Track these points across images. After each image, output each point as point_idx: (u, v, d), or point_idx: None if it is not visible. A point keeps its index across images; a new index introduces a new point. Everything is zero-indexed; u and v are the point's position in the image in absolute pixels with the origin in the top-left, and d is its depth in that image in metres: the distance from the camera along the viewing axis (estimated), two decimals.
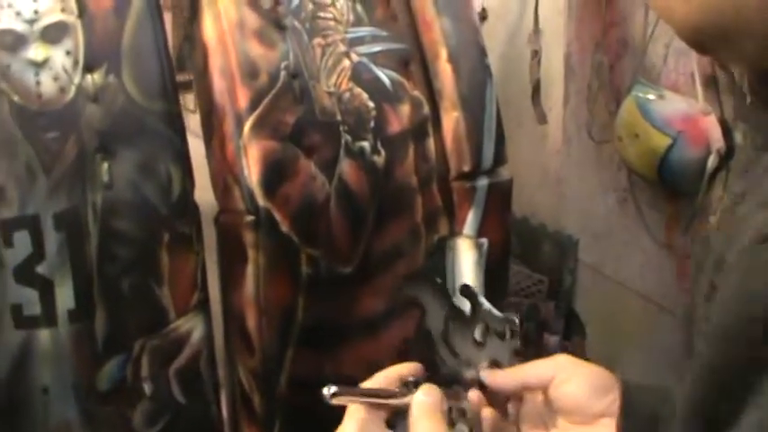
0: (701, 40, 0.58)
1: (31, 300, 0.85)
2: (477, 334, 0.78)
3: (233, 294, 0.95)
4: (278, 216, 0.92)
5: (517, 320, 0.75)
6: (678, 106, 1.15)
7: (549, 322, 1.39)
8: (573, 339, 1.38)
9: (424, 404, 0.61)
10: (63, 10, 0.87)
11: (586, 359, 1.40)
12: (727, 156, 1.10)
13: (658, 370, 1.33)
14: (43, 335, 0.86)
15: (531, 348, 1.32)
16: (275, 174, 0.92)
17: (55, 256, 0.85)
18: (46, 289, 0.85)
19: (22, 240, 0.84)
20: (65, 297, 0.86)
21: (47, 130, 0.85)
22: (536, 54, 1.29)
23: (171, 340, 0.92)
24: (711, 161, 1.11)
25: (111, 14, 0.89)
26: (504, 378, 0.64)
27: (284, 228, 0.93)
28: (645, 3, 1.19)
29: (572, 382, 0.62)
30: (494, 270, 1.04)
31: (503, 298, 1.08)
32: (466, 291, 0.90)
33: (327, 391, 0.55)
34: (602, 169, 1.32)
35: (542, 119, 1.33)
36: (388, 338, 1.02)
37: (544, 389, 0.62)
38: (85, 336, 0.88)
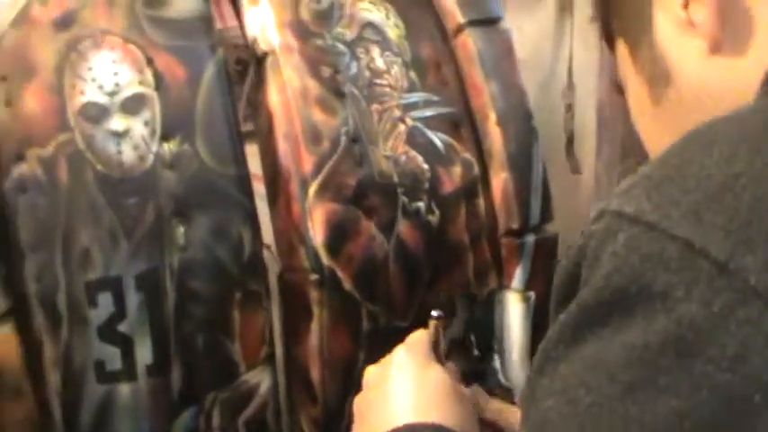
0: None
1: (112, 356, 0.90)
2: None
3: (297, 348, 1.00)
4: (341, 275, 0.98)
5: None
6: None
7: None
8: None
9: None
10: (141, 83, 0.93)
11: None
12: None
13: None
14: (123, 389, 0.91)
15: None
16: (339, 235, 0.98)
17: (135, 315, 0.90)
18: (127, 346, 0.91)
19: (106, 301, 0.90)
20: (144, 353, 0.91)
21: (128, 197, 0.90)
22: (570, 108, 1.35)
23: (240, 393, 0.97)
24: None
25: (185, 86, 0.94)
26: None
27: (347, 286, 0.98)
28: None
29: None
30: (538, 321, 1.09)
31: None
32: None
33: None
34: None
35: (576, 169, 1.39)
36: None
37: None
38: (162, 389, 0.93)
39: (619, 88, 0.74)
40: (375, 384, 0.75)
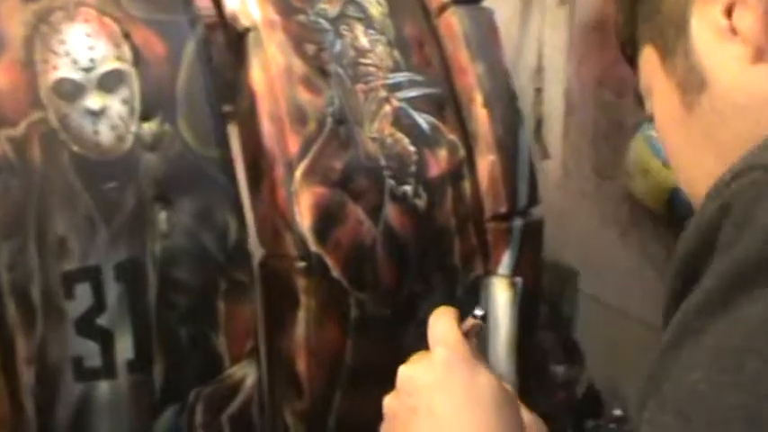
0: None
1: (91, 352, 0.84)
2: None
3: (282, 339, 0.96)
4: (329, 261, 0.93)
5: None
6: None
7: (551, 352, 1.43)
8: (573, 368, 1.43)
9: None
10: (118, 58, 0.86)
11: (586, 388, 1.43)
12: None
13: None
14: (103, 386, 0.85)
15: (533, 378, 1.35)
16: (326, 220, 0.93)
17: (115, 307, 0.84)
18: (106, 340, 0.84)
19: (83, 292, 0.83)
20: (124, 348, 0.85)
21: (106, 180, 0.84)
22: (539, 92, 1.33)
23: (225, 387, 0.92)
24: None
25: (164, 62, 0.89)
26: None
27: (335, 273, 0.94)
28: None
29: None
30: (526, 308, 1.07)
31: (534, 334, 1.11)
32: None
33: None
34: (602, 204, 1.37)
35: (545, 154, 1.37)
36: None
37: None
38: (143, 386, 0.87)
39: (638, 97, 0.72)
40: (417, 390, 0.67)
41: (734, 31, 0.57)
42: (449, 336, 0.69)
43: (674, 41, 0.62)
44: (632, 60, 0.71)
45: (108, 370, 0.85)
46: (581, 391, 1.42)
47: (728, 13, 0.57)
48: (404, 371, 0.69)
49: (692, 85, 0.60)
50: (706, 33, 0.59)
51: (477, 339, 0.71)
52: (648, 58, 0.66)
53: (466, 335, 0.70)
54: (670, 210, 1.23)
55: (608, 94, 1.29)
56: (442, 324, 0.71)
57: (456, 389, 0.64)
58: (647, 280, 1.31)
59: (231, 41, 0.97)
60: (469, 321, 0.73)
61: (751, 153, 0.47)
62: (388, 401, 0.71)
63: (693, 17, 0.59)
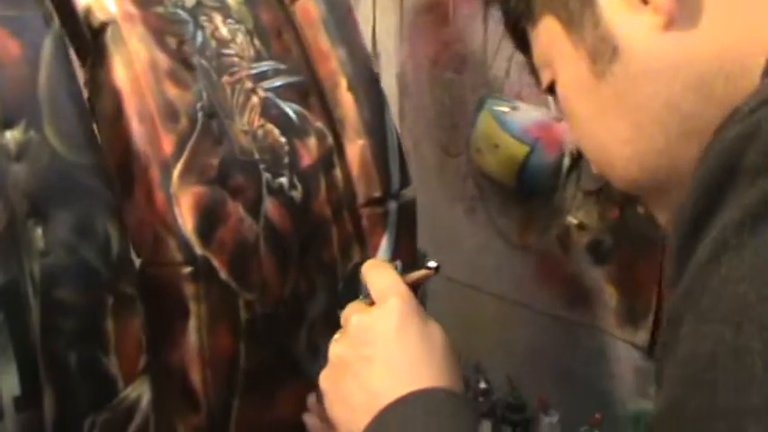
0: (636, 190, 0.68)
1: None
2: None
3: (171, 353, 0.89)
4: (216, 263, 0.89)
5: None
6: (533, 115, 1.25)
7: None
8: None
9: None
10: None
11: None
12: (579, 157, 1.22)
13: (519, 364, 1.44)
14: None
15: None
16: (209, 220, 0.88)
17: None
18: None
19: None
20: (9, 384, 0.76)
21: None
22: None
23: (121, 411, 0.84)
24: (566, 163, 1.22)
25: (21, 63, 0.80)
26: None
27: (223, 275, 0.89)
28: (483, 20, 1.28)
29: None
30: None
31: None
32: None
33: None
34: (446, 181, 1.39)
35: None
36: (316, 373, 1.01)
37: None
38: (35, 425, 0.78)
39: (532, 69, 0.72)
40: (373, 339, 0.65)
41: (644, 1, 0.59)
42: (399, 287, 0.69)
43: (579, 13, 0.62)
44: (518, 33, 0.71)
45: None
46: None
47: None
48: (358, 318, 0.67)
49: (602, 54, 0.61)
50: (615, 3, 0.60)
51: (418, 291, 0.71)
52: (548, 29, 0.66)
53: (411, 286, 0.70)
54: (519, 183, 1.27)
55: (447, 73, 1.31)
56: (387, 275, 0.70)
57: (412, 340, 0.64)
58: (496, 254, 1.35)
59: (81, 38, 0.89)
60: (421, 272, 0.73)
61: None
62: (336, 349, 0.68)
63: None
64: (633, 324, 1.35)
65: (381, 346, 0.64)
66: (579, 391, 1.38)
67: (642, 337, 1.34)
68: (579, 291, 1.37)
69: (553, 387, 1.39)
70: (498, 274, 1.41)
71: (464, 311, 1.43)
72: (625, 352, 1.33)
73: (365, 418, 0.62)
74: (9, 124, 0.78)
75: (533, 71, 0.72)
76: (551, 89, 0.69)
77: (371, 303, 0.70)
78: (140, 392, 0.86)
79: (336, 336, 0.71)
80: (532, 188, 1.30)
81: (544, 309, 1.40)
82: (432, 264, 0.73)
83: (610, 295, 1.36)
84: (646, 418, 1.25)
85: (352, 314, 0.69)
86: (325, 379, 0.70)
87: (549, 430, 1.35)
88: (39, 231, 0.78)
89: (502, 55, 1.32)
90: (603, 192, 1.29)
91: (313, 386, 1.02)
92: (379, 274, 0.72)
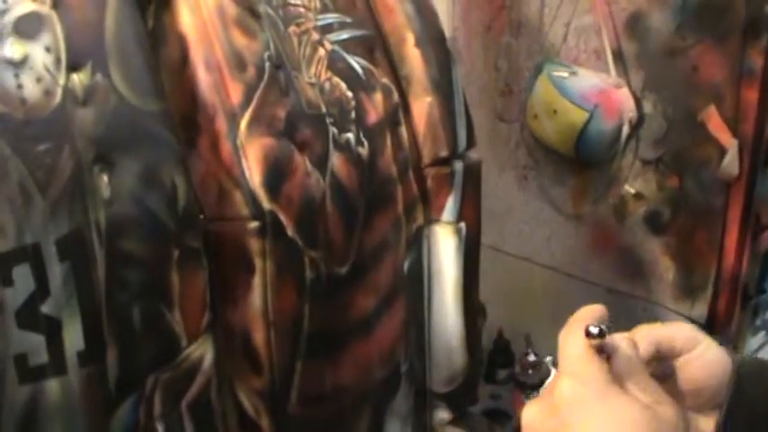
0: None
1: (36, 346, 0.71)
2: None
3: (233, 312, 0.86)
4: (284, 219, 0.85)
5: None
6: (592, 81, 1.21)
7: None
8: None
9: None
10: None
11: (495, 338, 1.41)
12: (637, 125, 1.18)
13: None
14: (51, 386, 0.72)
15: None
16: (277, 173, 0.85)
17: (60, 290, 0.72)
18: (53, 331, 0.72)
19: (23, 276, 0.70)
20: (73, 338, 0.73)
21: (37, 142, 0.71)
22: None
23: (183, 371, 0.81)
24: (625, 131, 1.18)
25: (88, 5, 0.76)
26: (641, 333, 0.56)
27: (290, 231, 0.85)
28: None
29: (708, 359, 0.56)
30: (470, 254, 1.03)
31: (476, 278, 1.07)
32: None
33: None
34: (497, 149, 1.35)
35: None
36: (381, 334, 0.98)
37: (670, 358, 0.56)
38: (97, 380, 0.75)
39: None
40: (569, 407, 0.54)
41: None
42: (567, 360, 0.54)
43: None
44: None
45: (56, 366, 0.72)
46: (489, 342, 1.41)
47: None
48: (530, 410, 0.55)
49: None
50: None
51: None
52: None
53: (601, 350, 0.54)
54: (576, 150, 1.23)
55: (503, 38, 1.27)
56: (572, 343, 0.55)
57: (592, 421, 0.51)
58: (549, 224, 1.31)
59: None
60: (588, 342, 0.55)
61: None
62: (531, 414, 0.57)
63: None
64: (690, 297, 1.31)
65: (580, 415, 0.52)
66: None
67: (699, 310, 1.30)
68: (634, 263, 1.33)
69: None
70: (550, 244, 1.37)
71: (514, 283, 1.39)
72: None
73: None
74: (75, 67, 0.74)
75: None
76: None
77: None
78: (203, 351, 0.83)
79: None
80: (589, 156, 1.26)
81: (597, 281, 1.36)
82: (592, 330, 0.56)
83: (666, 268, 1.32)
84: None
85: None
86: None
87: None
88: (105, 179, 0.74)
89: (559, 21, 1.28)
90: (662, 161, 1.25)
91: (379, 344, 0.98)
92: (568, 338, 0.56)
